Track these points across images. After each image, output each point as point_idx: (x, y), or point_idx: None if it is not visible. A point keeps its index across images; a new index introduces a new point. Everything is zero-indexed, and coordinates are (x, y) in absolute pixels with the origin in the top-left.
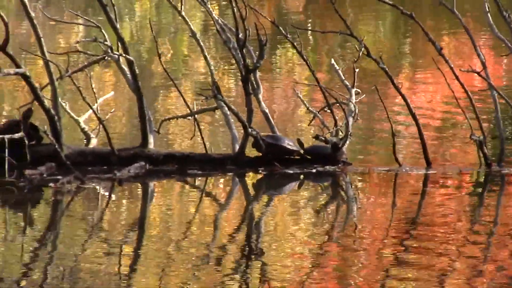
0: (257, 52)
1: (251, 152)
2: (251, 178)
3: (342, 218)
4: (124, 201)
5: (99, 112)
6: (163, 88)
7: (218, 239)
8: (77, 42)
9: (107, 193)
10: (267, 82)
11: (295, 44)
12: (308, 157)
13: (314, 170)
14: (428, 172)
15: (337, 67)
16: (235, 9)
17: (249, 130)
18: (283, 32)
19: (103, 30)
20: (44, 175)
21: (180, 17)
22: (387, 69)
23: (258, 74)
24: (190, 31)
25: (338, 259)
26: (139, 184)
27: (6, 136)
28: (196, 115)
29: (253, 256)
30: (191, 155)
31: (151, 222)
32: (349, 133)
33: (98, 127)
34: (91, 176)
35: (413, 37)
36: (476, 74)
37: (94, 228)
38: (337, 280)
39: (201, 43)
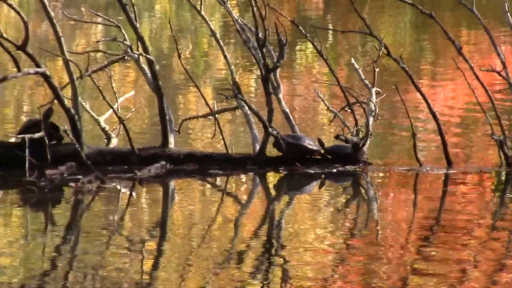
0: (277, 52)
1: (271, 151)
2: (271, 178)
3: (362, 218)
4: (144, 201)
5: (119, 111)
6: (184, 88)
7: (239, 239)
8: (97, 41)
9: (127, 193)
10: (287, 81)
11: (314, 43)
12: (329, 156)
13: (334, 170)
14: (449, 171)
15: (357, 66)
16: (255, 9)
17: (270, 129)
18: (303, 31)
19: (122, 30)
20: (65, 175)
21: (200, 17)
22: (407, 68)
23: (278, 73)
24: (210, 31)
25: (359, 259)
26: (160, 184)
27: (27, 136)
28: (216, 115)
29: (274, 257)
30: (211, 155)
31: (172, 222)
32: (370, 132)
33: (118, 127)
34: (112, 176)
35: (432, 36)
36: (496, 73)
37: (115, 228)
38: (358, 280)
39: (221, 43)
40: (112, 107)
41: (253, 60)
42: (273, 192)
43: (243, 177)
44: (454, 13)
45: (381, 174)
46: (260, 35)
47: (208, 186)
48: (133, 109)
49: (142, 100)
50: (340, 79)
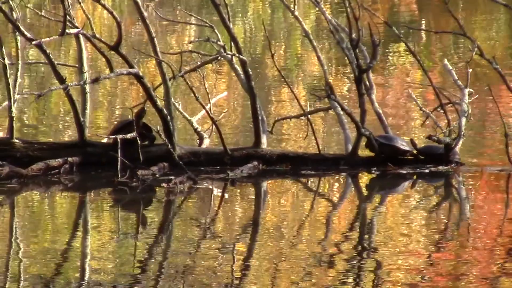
0: (370, 52)
1: (364, 152)
2: (364, 178)
3: (454, 219)
4: (237, 201)
5: (212, 112)
6: (276, 88)
7: (331, 239)
8: (190, 42)
9: (219, 193)
10: (380, 82)
11: (408, 44)
12: (421, 157)
13: (427, 170)
14: None
15: (450, 67)
16: (349, 9)
17: (362, 130)
18: (396, 32)
19: (216, 30)
20: (157, 175)
21: (293, 17)
22: (500, 69)
23: (371, 74)
24: (303, 31)
25: (452, 260)
26: (252, 184)
27: (119, 136)
28: (309, 115)
29: (365, 257)
30: (304, 155)
31: (264, 222)
32: (462, 133)
33: (211, 127)
34: (204, 176)
35: None
36: None
37: (207, 228)
38: (451, 280)
39: (314, 43)
40: (204, 108)
41: (347, 60)
42: (365, 192)
43: (336, 178)
44: None
45: (473, 175)
46: (353, 35)
47: (301, 186)
48: (226, 110)
49: (234, 100)
50: (433, 79)
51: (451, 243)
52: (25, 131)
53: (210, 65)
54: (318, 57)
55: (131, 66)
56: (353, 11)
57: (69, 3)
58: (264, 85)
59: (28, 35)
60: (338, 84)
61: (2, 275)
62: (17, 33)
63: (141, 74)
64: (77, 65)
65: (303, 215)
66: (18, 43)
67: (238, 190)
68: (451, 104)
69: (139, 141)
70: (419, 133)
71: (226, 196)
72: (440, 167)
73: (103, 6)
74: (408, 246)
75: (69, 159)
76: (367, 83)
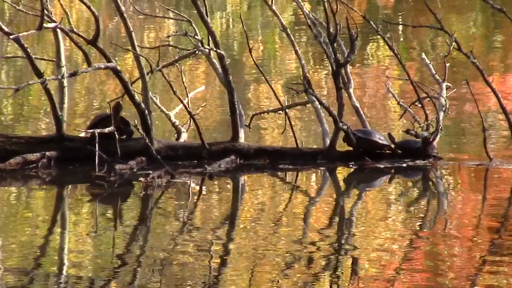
0: (348, 46)
1: (342, 146)
2: (342, 173)
3: (432, 213)
4: (214, 196)
5: (189, 106)
6: (254, 83)
7: (309, 234)
8: (168, 36)
9: (197, 188)
10: (358, 76)
11: (385, 38)
12: (399, 151)
13: (404, 165)
14: None
15: (428, 61)
16: (326, 3)
17: (340, 124)
18: (374, 26)
19: (193, 24)
20: (134, 170)
21: (271, 12)
22: (477, 63)
23: (349, 68)
24: (281, 25)
25: (429, 254)
26: (230, 179)
27: (97, 130)
28: (287, 110)
29: (343, 251)
30: (282, 150)
31: (242, 216)
32: (440, 127)
33: (188, 121)
34: (182, 171)
35: (503, 31)
36: None
37: (184, 223)
38: (428, 275)
39: (292, 38)
40: (182, 102)
41: (324, 55)
42: (343, 186)
43: (314, 172)
44: None
45: (451, 169)
46: (331, 29)
47: (278, 180)
48: (204, 104)
49: (212, 94)
50: (410, 73)
51: (428, 238)
52: (2, 125)
53: (188, 59)
54: (296, 51)
55: (109, 60)
56: (331, 5)
57: None
58: (242, 79)
59: (6, 29)
60: (315, 78)
61: None
62: None
63: (118, 68)
64: (54, 59)
65: (280, 209)
66: None
67: (216, 184)
68: (428, 98)
69: (116, 135)
70: (397, 127)
71: (203, 190)
72: (418, 162)
73: (81, 0)
74: (385, 241)
75: (47, 153)
76: (345, 77)
